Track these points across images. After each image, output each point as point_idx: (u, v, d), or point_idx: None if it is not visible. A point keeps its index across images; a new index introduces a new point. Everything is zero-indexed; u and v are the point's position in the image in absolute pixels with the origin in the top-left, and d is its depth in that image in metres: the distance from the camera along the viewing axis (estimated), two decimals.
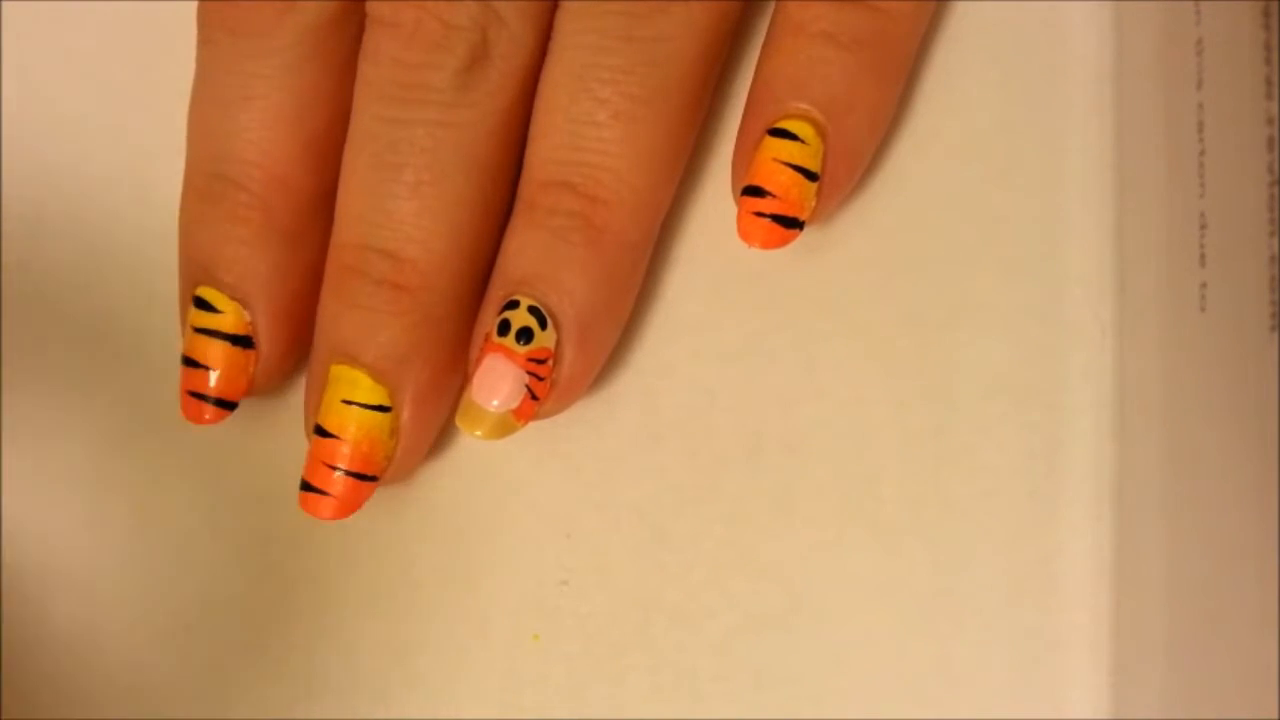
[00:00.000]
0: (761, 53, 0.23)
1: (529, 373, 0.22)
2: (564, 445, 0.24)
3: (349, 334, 0.22)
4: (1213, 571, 0.23)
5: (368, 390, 0.22)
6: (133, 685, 0.25)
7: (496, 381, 0.22)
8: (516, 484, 0.24)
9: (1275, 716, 0.24)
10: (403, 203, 0.22)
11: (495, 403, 0.22)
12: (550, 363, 0.22)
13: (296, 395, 0.24)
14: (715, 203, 0.24)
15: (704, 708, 0.22)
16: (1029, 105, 0.23)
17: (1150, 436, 0.22)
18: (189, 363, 0.23)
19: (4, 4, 0.27)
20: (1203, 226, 0.23)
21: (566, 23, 0.22)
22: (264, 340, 0.23)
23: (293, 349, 0.24)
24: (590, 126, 0.22)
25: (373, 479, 0.23)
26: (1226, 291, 0.24)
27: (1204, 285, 0.23)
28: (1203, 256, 0.23)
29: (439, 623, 0.24)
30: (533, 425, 0.24)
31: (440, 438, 0.24)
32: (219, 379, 0.23)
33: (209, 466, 0.25)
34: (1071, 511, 0.22)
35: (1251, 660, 0.24)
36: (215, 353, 0.23)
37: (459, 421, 0.22)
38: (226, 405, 0.23)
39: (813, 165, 0.22)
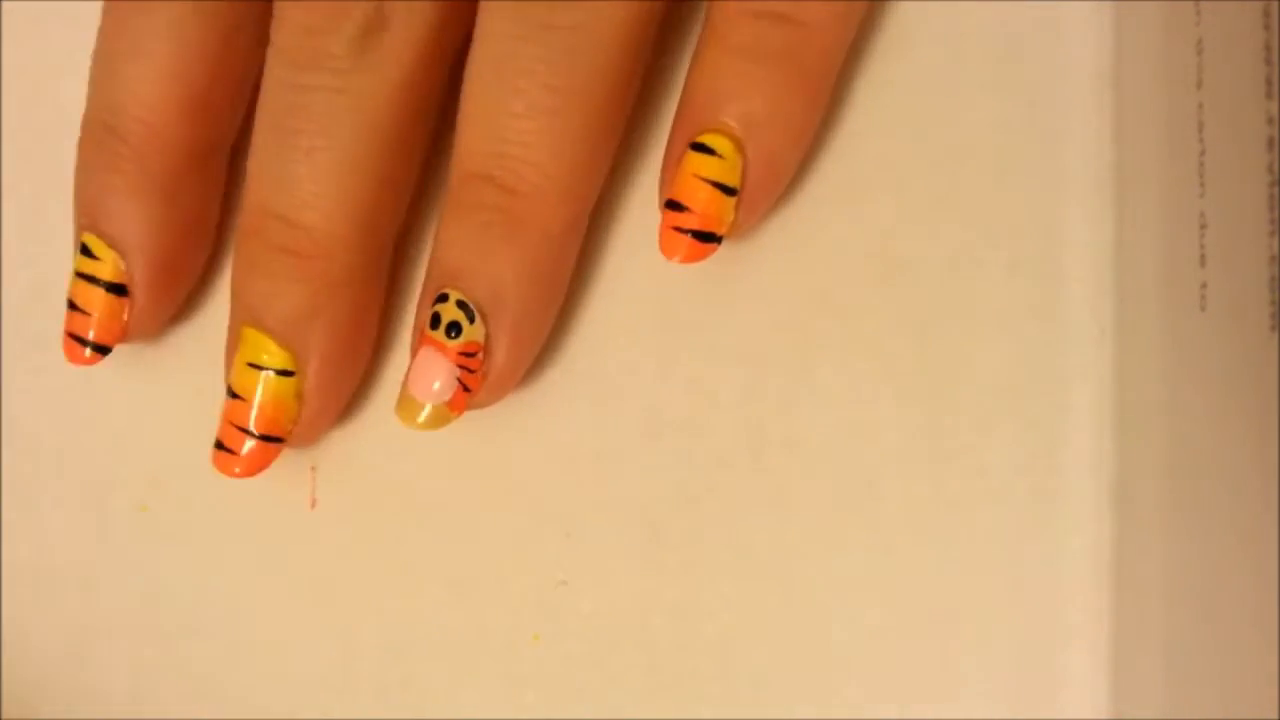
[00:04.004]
0: (690, 65, 0.23)
1: (460, 366, 0.22)
2: (564, 445, 0.24)
3: (253, 298, 0.23)
4: (1213, 571, 0.23)
5: (273, 354, 0.23)
6: (133, 685, 0.25)
7: (429, 375, 0.22)
8: (516, 484, 0.24)
9: (1275, 717, 0.24)
10: (297, 167, 0.22)
11: (430, 393, 0.22)
12: (480, 355, 0.22)
13: None
14: None
15: (704, 708, 0.23)
16: (1029, 105, 0.23)
17: (1150, 436, 0.22)
18: (71, 305, 0.24)
19: (4, 4, 0.27)
20: (1203, 226, 0.24)
21: (486, 14, 0.22)
22: (138, 290, 0.24)
23: (169, 299, 0.24)
24: (509, 118, 0.22)
25: (279, 441, 0.23)
26: (1226, 291, 0.24)
27: (1204, 285, 0.23)
28: (1203, 256, 0.23)
29: (439, 622, 0.24)
30: (532, 425, 0.24)
31: (439, 439, 0.24)
32: (95, 324, 0.24)
33: (209, 467, 0.25)
34: (1071, 511, 0.22)
35: (1251, 660, 0.24)
36: (92, 298, 0.24)
37: (397, 414, 0.23)
38: (101, 350, 0.24)
39: (730, 180, 0.22)
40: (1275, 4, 0.26)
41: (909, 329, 0.23)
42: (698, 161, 0.22)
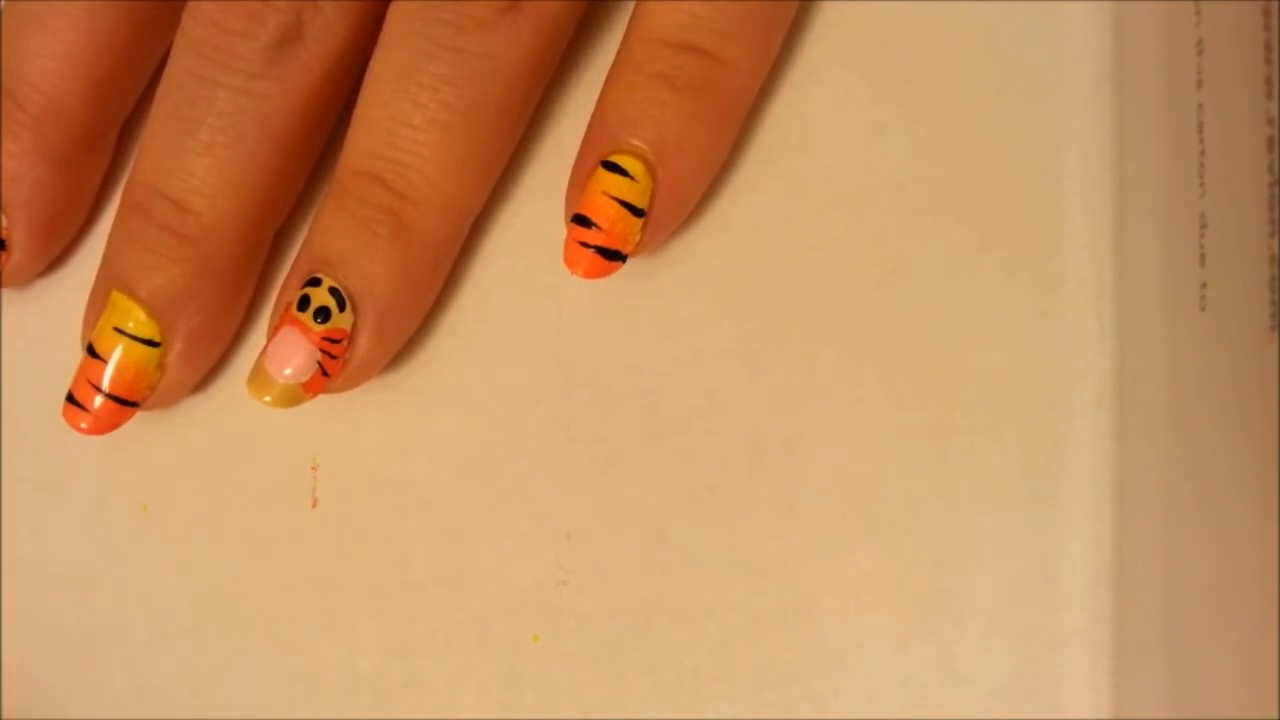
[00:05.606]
0: (604, 84, 0.23)
1: (322, 350, 0.23)
2: (564, 445, 0.24)
3: (129, 268, 0.23)
4: (1213, 571, 0.23)
5: (140, 324, 0.23)
6: (133, 685, 0.25)
7: (289, 353, 0.23)
8: (516, 484, 0.24)
9: (1275, 717, 0.24)
10: (195, 157, 0.23)
11: (286, 372, 0.23)
12: (344, 343, 0.23)
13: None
14: (713, 203, 0.24)
15: (704, 708, 0.23)
16: (1029, 105, 0.23)
17: (1150, 436, 0.22)
18: None
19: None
20: (1203, 226, 0.24)
21: (397, 21, 0.23)
22: (15, 247, 0.25)
23: (42, 257, 0.25)
24: (406, 127, 0.23)
25: (133, 405, 0.24)
26: (1226, 291, 0.24)
27: (1204, 285, 0.23)
28: (1203, 256, 0.23)
29: (439, 623, 0.24)
30: (532, 425, 0.24)
31: (440, 439, 0.24)
32: None
33: (209, 466, 0.25)
34: (1071, 511, 0.22)
35: (1251, 660, 0.24)
36: None
37: (248, 386, 0.23)
38: None
39: (640, 202, 0.22)
40: (1275, 4, 0.26)
41: (909, 329, 0.23)
42: (608, 180, 0.22)
